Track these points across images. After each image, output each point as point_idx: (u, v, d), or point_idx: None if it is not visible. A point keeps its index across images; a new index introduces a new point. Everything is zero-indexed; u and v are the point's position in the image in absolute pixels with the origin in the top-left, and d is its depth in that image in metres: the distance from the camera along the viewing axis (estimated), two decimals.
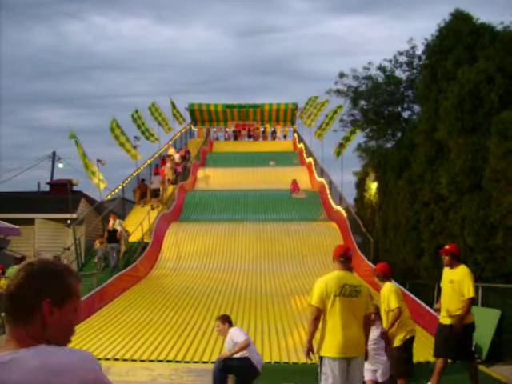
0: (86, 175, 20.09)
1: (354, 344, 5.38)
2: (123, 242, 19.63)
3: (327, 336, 5.39)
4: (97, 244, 19.84)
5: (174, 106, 37.37)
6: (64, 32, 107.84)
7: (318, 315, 5.43)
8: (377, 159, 22.12)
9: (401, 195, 18.14)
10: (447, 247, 7.58)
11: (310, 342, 5.48)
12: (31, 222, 22.04)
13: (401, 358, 6.89)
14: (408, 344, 6.98)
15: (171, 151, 31.86)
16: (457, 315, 7.25)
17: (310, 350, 5.45)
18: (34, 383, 1.61)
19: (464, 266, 7.46)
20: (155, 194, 25.33)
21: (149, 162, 29.42)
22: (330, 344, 5.36)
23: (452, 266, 7.44)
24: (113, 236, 19.11)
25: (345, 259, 5.69)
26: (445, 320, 7.44)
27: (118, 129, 24.81)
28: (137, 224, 21.24)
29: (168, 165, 28.15)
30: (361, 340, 5.48)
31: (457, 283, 7.29)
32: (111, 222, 19.72)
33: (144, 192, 25.75)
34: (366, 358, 5.68)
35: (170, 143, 34.43)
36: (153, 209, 23.92)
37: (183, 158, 31.21)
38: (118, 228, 19.41)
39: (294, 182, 26.26)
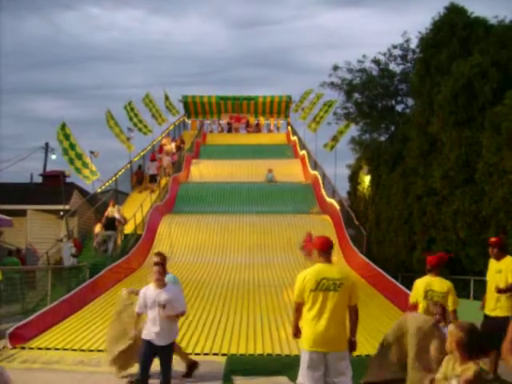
0: (73, 170, 19.96)
1: (330, 339, 5.37)
2: (119, 230, 19.80)
3: (304, 329, 5.52)
4: (97, 228, 19.92)
5: (167, 98, 37.29)
6: (58, 22, 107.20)
7: (298, 308, 5.61)
8: (370, 152, 22.15)
9: (394, 188, 18.18)
10: (494, 239, 7.43)
11: (295, 325, 5.73)
12: (24, 213, 21.95)
13: None
14: None
15: (164, 141, 31.89)
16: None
17: (296, 331, 5.72)
18: None
19: (510, 256, 7.42)
20: (152, 179, 26.26)
21: (142, 153, 29.40)
22: (306, 337, 5.47)
23: (499, 257, 7.38)
24: (110, 223, 19.18)
25: (329, 252, 5.64)
26: (494, 312, 7.34)
27: (112, 120, 24.89)
28: (133, 210, 21.49)
29: (167, 158, 28.27)
30: (340, 335, 5.44)
31: (504, 272, 7.23)
32: (110, 207, 19.88)
33: (140, 178, 26.52)
34: (352, 349, 5.57)
35: (164, 135, 34.33)
36: (152, 192, 24.69)
37: (178, 147, 31.31)
38: (117, 216, 19.52)
39: (308, 239, 18.34)
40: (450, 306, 6.74)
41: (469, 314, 7.71)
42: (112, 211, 19.76)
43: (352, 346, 5.53)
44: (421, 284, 6.85)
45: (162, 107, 34.82)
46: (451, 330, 4.00)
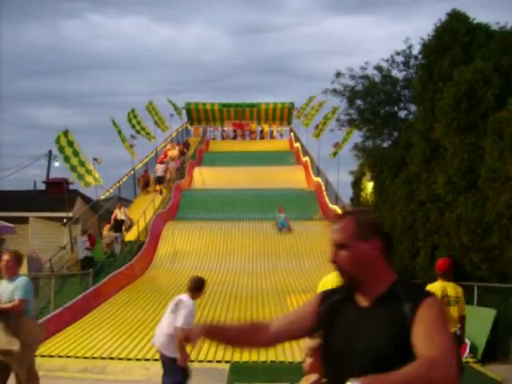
0: (75, 177, 20.04)
1: None
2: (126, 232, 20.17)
3: None
4: (105, 231, 20.27)
5: (173, 104, 37.78)
6: (61, 30, 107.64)
7: None
8: (373, 159, 22.11)
9: (397, 195, 18.15)
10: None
11: None
12: (27, 220, 21.97)
13: None
14: None
15: (169, 147, 32.04)
16: None
17: None
18: None
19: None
20: (159, 180, 26.77)
21: (145, 161, 29.48)
22: None
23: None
24: (118, 225, 19.51)
25: None
26: None
27: (117, 127, 25.01)
28: (140, 212, 21.79)
29: (172, 163, 28.42)
30: None
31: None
32: (117, 210, 20.30)
33: (147, 181, 26.98)
34: None
35: (168, 141, 34.43)
36: (161, 193, 25.44)
37: (181, 152, 31.39)
38: (123, 218, 19.95)
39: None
40: (462, 311, 6.74)
41: (473, 321, 7.68)
42: (119, 214, 20.16)
43: None
44: (436, 289, 6.75)
45: (165, 114, 34.98)
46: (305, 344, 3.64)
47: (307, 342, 3.87)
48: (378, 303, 2.04)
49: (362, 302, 2.08)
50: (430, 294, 2.00)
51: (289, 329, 2.26)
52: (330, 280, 5.59)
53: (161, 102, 54.38)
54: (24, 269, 12.43)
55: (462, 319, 6.78)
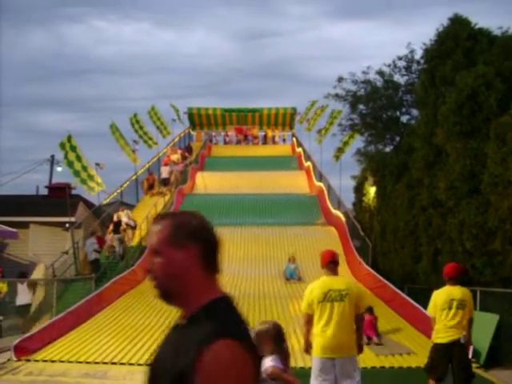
0: (78, 182, 20.09)
1: (337, 345, 5.61)
2: (125, 234, 20.17)
3: (315, 338, 5.78)
4: (108, 233, 20.44)
5: (176, 110, 37.77)
6: (64, 35, 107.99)
7: (308, 319, 5.85)
8: (375, 163, 22.10)
9: (399, 200, 18.13)
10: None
11: (305, 340, 5.98)
12: (29, 225, 21.98)
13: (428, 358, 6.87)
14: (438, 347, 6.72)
15: (169, 151, 32.08)
16: None
17: (307, 347, 5.95)
18: None
19: None
20: (164, 182, 27.01)
21: (147, 165, 29.49)
22: (317, 345, 5.73)
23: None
24: (117, 227, 19.90)
25: (334, 265, 5.93)
26: None
27: (117, 132, 24.98)
28: (144, 215, 21.80)
29: (175, 167, 28.47)
30: (348, 341, 5.67)
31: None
32: (119, 212, 20.53)
33: (152, 183, 27.17)
34: (360, 351, 5.88)
35: (170, 146, 34.39)
36: (164, 195, 25.48)
37: (183, 157, 31.42)
38: (125, 219, 20.00)
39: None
40: (470, 314, 6.74)
41: (476, 326, 7.65)
42: (120, 215, 20.26)
43: (359, 349, 5.86)
44: (442, 294, 6.74)
45: (167, 119, 34.97)
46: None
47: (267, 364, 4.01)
48: (187, 325, 1.73)
49: (181, 320, 1.79)
50: (223, 336, 1.60)
51: None
52: (317, 286, 5.75)
53: (163, 107, 54.48)
54: (41, 272, 12.47)
55: (469, 322, 6.80)
